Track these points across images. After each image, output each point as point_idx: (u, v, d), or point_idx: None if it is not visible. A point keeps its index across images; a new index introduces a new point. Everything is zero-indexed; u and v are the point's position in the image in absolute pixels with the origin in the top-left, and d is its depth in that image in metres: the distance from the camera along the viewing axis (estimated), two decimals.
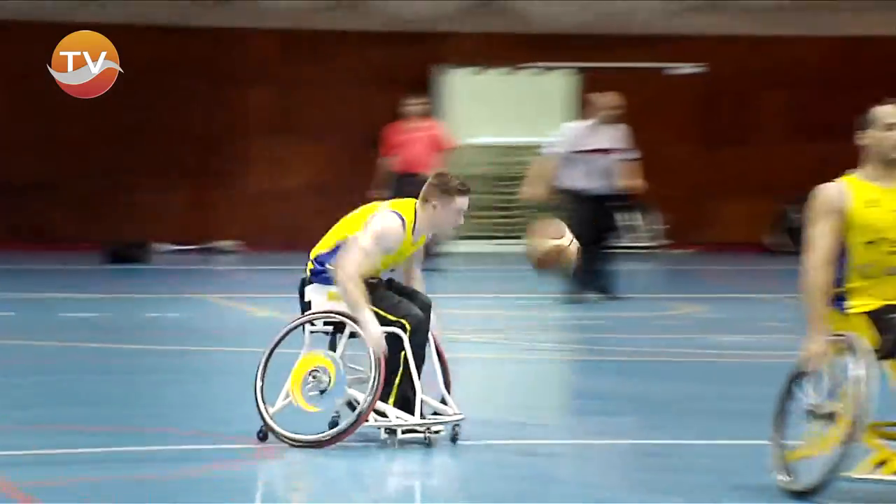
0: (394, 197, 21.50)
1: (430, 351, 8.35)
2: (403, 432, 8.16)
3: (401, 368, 8.20)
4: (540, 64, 24.65)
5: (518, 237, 25.48)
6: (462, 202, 8.38)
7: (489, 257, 24.03)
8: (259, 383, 8.25)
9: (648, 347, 13.31)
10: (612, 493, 7.51)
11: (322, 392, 8.14)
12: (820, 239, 6.74)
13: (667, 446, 8.64)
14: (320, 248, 8.44)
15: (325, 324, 8.32)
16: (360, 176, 20.96)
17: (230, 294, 17.69)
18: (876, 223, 6.74)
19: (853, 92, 24.42)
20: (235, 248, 23.96)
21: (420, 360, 8.26)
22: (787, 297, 15.35)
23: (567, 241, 8.55)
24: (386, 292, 8.34)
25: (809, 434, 6.66)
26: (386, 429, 8.17)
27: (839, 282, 6.76)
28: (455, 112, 23.96)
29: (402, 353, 8.21)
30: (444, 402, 8.31)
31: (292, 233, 23.92)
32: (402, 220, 8.32)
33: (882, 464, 6.61)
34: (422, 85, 23.11)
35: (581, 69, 24.38)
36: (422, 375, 8.23)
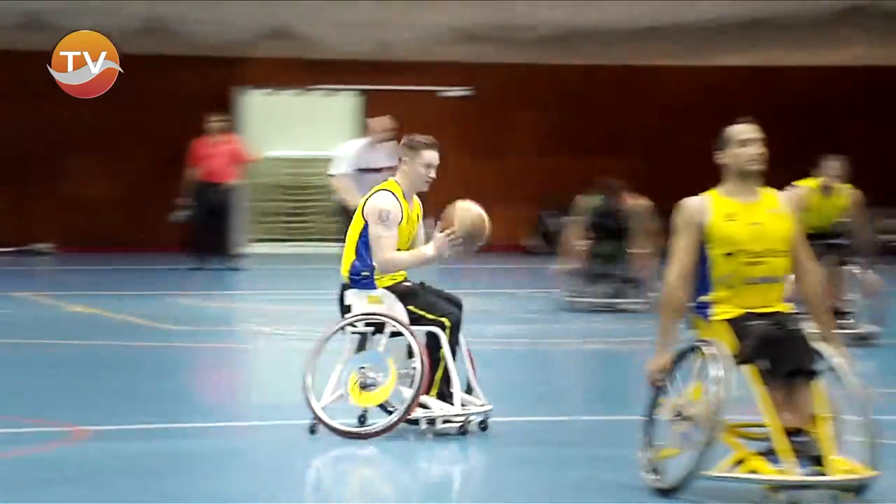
0: (196, 204, 21.22)
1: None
2: (442, 422, 7.86)
3: (442, 364, 7.91)
4: (327, 86, 24.68)
5: (309, 240, 25.52)
6: (429, 156, 8.18)
7: (282, 258, 23.96)
8: (308, 380, 7.88)
9: None
10: (411, 465, 7.59)
11: (366, 387, 7.81)
12: (680, 254, 6.46)
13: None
14: (347, 260, 8.10)
15: (367, 325, 7.99)
16: (167, 185, 20.80)
17: (44, 292, 17.39)
18: (734, 236, 6.42)
19: (597, 113, 25.00)
20: (50, 250, 23.51)
21: (454, 355, 7.97)
22: (541, 291, 15.58)
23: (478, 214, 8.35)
24: (422, 292, 8.06)
25: (674, 435, 6.38)
26: (427, 419, 7.84)
27: (705, 291, 6.46)
28: (252, 128, 23.86)
29: (441, 349, 7.90)
30: (469, 392, 8.02)
31: (103, 237, 23.61)
32: (391, 192, 8.08)
33: (739, 462, 6.28)
34: (223, 104, 22.97)
35: (363, 91, 24.47)
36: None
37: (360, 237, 8.05)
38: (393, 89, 24.28)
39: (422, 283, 8.16)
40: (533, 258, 23.30)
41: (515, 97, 24.93)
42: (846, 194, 12.28)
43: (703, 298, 6.47)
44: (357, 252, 8.05)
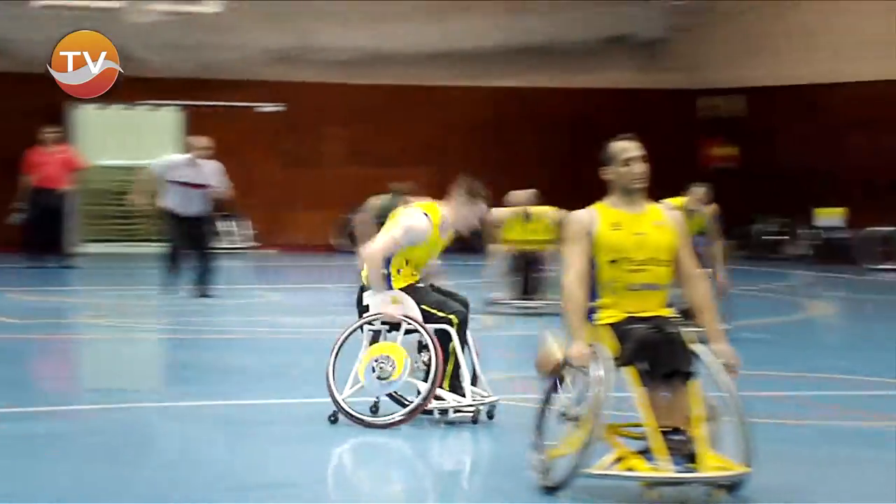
0: (31, 208, 20.71)
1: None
2: (454, 413, 7.63)
3: (452, 358, 7.68)
4: (152, 102, 24.32)
5: (135, 240, 25.10)
6: (483, 207, 7.88)
7: (112, 257, 23.54)
8: (331, 375, 7.62)
9: (241, 327, 13.32)
10: (203, 444, 7.49)
11: (382, 379, 7.55)
12: (574, 259, 6.09)
13: (251, 406, 8.63)
14: None
15: (383, 323, 7.75)
16: (5, 191, 20.26)
17: None
18: (618, 244, 6.08)
19: (396, 128, 25.14)
20: None
21: (462, 350, 7.75)
22: (346, 285, 15.55)
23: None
24: (432, 293, 7.81)
25: (561, 435, 6.02)
26: (439, 410, 7.61)
27: (592, 297, 6.13)
28: (84, 139, 23.40)
29: (451, 344, 7.67)
30: (474, 383, 7.77)
31: None
32: (428, 217, 7.76)
33: (619, 461, 5.92)
34: (57, 117, 22.45)
35: (185, 106, 24.19)
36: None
37: None
38: (212, 105, 24.06)
39: (431, 285, 7.96)
40: (340, 256, 23.31)
41: (324, 113, 24.93)
42: (706, 213, 12.36)
43: (590, 304, 6.16)
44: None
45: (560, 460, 6.00)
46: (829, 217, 23.80)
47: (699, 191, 12.37)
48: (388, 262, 7.84)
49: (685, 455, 5.83)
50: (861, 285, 19.06)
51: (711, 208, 12.46)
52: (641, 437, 5.96)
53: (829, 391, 9.45)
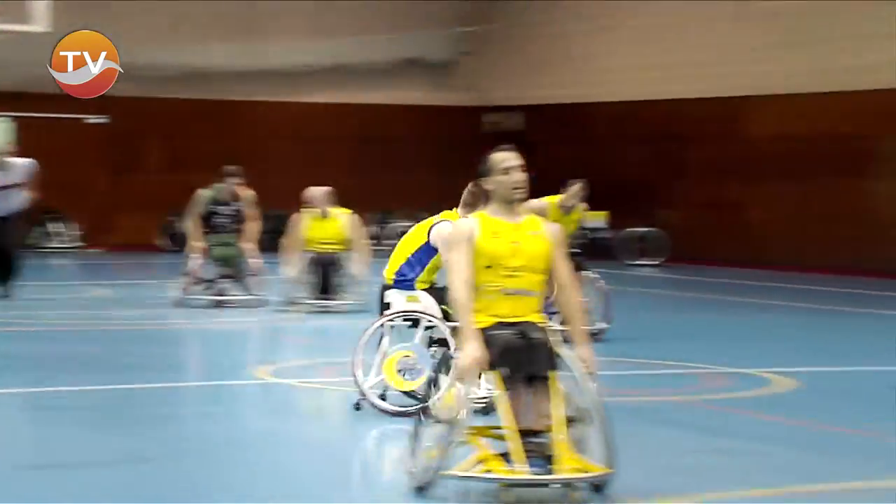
0: None
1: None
2: None
3: None
4: None
5: None
6: None
7: None
8: (358, 366, 7.42)
9: (66, 320, 12.98)
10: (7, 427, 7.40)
11: (404, 372, 7.40)
12: (459, 265, 5.68)
13: (66, 392, 8.49)
14: (395, 263, 7.66)
15: (405, 320, 7.57)
16: None
17: None
18: (495, 251, 5.69)
19: (210, 138, 25.00)
20: None
21: None
22: (169, 281, 15.40)
23: None
24: (445, 292, 7.43)
25: (433, 437, 5.63)
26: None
27: None
28: None
29: None
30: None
31: None
32: (451, 223, 7.41)
33: (481, 462, 5.54)
34: None
35: (17, 117, 23.65)
36: None
37: (417, 250, 7.70)
38: (42, 116, 23.57)
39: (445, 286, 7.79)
40: (162, 254, 23.08)
41: (146, 125, 24.68)
42: (581, 210, 11.94)
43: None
44: (409, 260, 7.71)
45: (428, 461, 5.64)
46: (594, 219, 24.57)
47: (574, 187, 11.86)
48: (414, 267, 7.73)
49: (545, 457, 5.49)
50: (621, 279, 19.73)
51: (584, 206, 12.02)
52: (504, 439, 5.60)
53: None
